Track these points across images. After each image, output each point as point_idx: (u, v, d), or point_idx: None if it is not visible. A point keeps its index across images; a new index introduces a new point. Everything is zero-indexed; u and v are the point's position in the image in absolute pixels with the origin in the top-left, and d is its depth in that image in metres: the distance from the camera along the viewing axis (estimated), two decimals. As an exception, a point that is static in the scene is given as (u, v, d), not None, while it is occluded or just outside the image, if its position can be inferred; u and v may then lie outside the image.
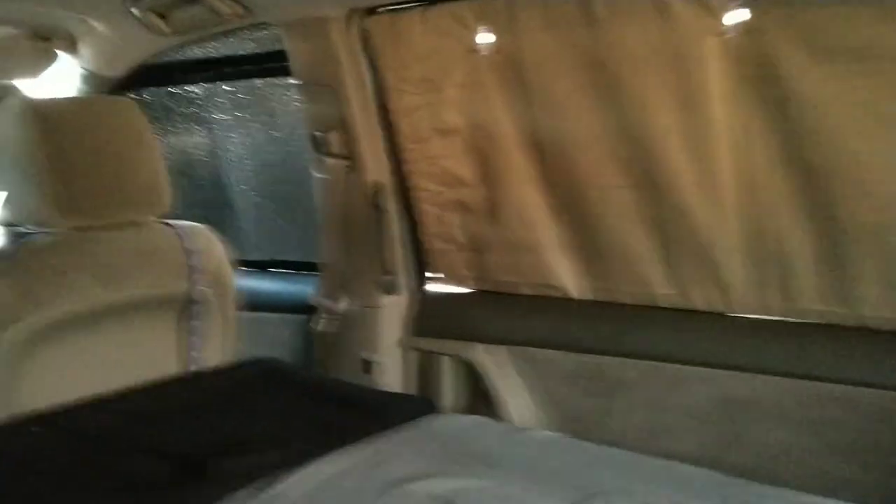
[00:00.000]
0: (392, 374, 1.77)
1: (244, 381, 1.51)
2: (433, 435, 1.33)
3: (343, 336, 1.77)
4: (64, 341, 1.28)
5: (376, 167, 1.65)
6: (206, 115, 2.06)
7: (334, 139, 1.62)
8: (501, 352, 1.62)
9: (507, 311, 1.64)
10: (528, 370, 1.59)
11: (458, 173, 1.60)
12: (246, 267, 2.15)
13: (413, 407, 1.43)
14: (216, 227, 2.03)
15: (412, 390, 1.77)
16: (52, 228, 1.29)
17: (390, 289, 1.69)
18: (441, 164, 1.61)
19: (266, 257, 2.13)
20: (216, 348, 1.57)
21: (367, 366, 1.75)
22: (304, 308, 1.90)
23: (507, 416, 1.61)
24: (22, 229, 1.33)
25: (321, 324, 1.74)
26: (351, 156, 1.63)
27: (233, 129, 2.02)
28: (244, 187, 2.06)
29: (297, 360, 1.93)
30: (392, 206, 1.62)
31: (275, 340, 1.98)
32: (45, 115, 1.27)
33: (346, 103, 1.59)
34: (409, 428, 1.33)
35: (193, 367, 1.51)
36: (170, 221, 1.48)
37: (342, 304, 1.72)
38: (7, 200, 1.30)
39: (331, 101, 1.61)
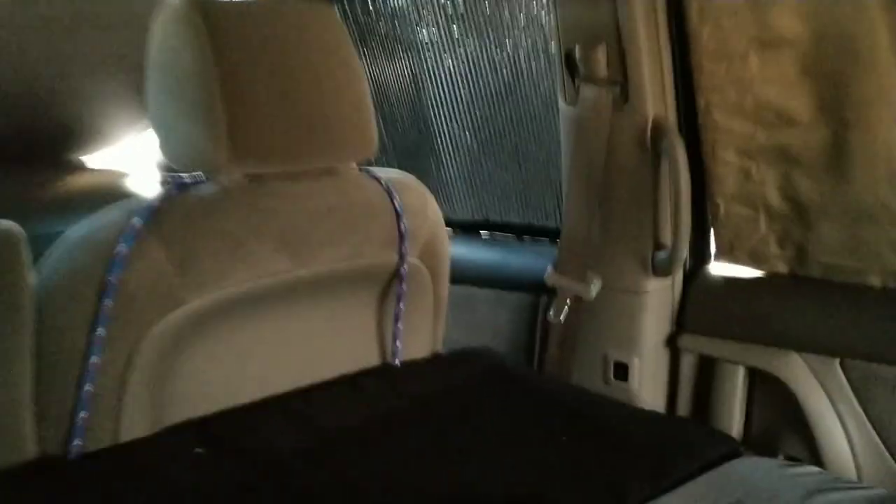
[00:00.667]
0: (656, 385, 1.35)
1: (468, 385, 1.13)
2: (748, 493, 0.90)
3: (588, 328, 1.36)
4: (232, 325, 0.96)
5: (658, 96, 1.20)
6: (410, 34, 1.68)
7: (600, 56, 1.19)
8: (833, 368, 1.15)
9: (845, 310, 1.15)
10: (877, 396, 1.11)
11: (786, 106, 1.12)
12: (453, 228, 1.80)
13: (710, 446, 1.00)
14: (418, 176, 1.69)
15: (684, 409, 1.34)
16: (224, 177, 0.94)
17: (664, 269, 1.25)
18: (759, 92, 1.14)
19: (479, 217, 1.75)
20: (425, 337, 1.22)
21: (622, 370, 1.33)
22: (528, 285, 1.52)
23: (837, 462, 1.15)
24: (182, 177, 1.00)
25: (559, 311, 1.34)
26: (623, 79, 1.19)
27: (443, 51, 1.62)
28: (454, 126, 1.67)
29: (517, 353, 1.55)
30: (680, 152, 1.17)
31: (486, 322, 1.61)
32: (219, 19, 0.91)
33: (623, 3, 1.15)
34: (714, 478, 0.91)
35: (397, 360, 1.16)
36: (374, 170, 1.12)
37: (593, 287, 1.30)
38: (165, 136, 0.97)
39: (598, 1, 1.17)
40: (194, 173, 0.95)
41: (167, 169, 1.02)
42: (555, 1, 1.25)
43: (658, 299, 1.31)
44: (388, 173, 1.13)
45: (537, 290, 1.49)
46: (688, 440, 1.02)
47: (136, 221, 0.84)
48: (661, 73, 1.19)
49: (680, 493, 0.86)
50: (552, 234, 1.61)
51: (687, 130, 1.24)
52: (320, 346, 1.09)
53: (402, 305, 1.13)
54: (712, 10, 1.12)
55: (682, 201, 1.16)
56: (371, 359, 1.15)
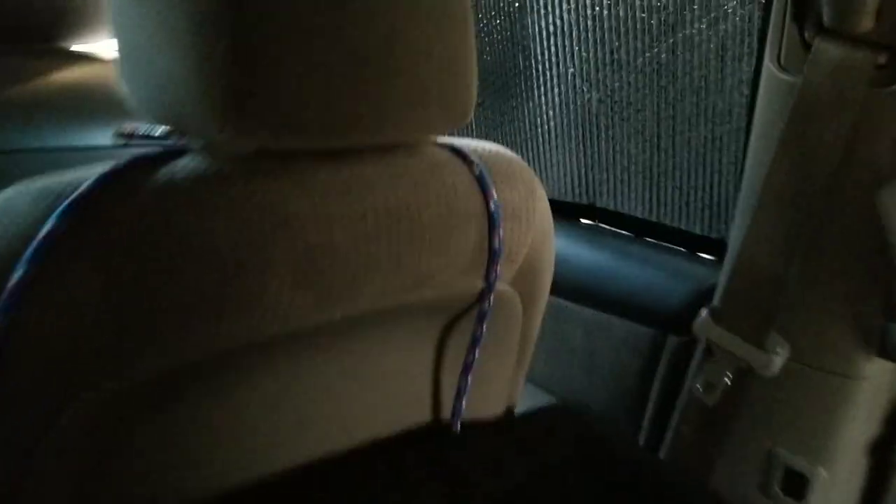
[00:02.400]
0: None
1: (552, 479, 0.78)
2: None
3: (751, 412, 0.95)
4: (210, 388, 0.62)
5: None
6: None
7: (863, 13, 0.73)
8: None
9: None
10: None
11: None
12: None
13: None
14: (504, 132, 1.26)
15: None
16: (221, 148, 0.57)
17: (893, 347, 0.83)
18: None
19: (582, 199, 1.31)
20: (499, 386, 0.85)
21: (798, 483, 0.92)
22: (648, 314, 1.12)
23: None
24: (151, 140, 0.61)
25: (715, 384, 0.93)
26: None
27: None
28: (567, 66, 1.22)
29: (622, 408, 1.16)
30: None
31: (579, 352, 1.22)
32: None
33: None
34: None
35: (457, 425, 0.80)
36: (458, 143, 0.71)
37: (775, 356, 0.88)
38: (131, 67, 0.58)
39: None
40: (171, 134, 0.58)
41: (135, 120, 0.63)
42: None
43: (873, 389, 0.89)
44: (479, 148, 0.73)
45: (663, 323, 1.09)
46: None
47: (54, 223, 0.50)
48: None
49: None
50: (692, 244, 1.18)
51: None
52: (347, 404, 0.73)
53: (476, 353, 0.77)
54: None
55: None
56: (420, 415, 0.79)
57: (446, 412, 0.81)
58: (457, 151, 0.70)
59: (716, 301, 0.95)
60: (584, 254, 1.24)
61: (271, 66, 0.52)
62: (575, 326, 1.21)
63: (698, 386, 0.93)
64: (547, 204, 0.79)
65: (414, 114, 0.61)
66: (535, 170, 1.32)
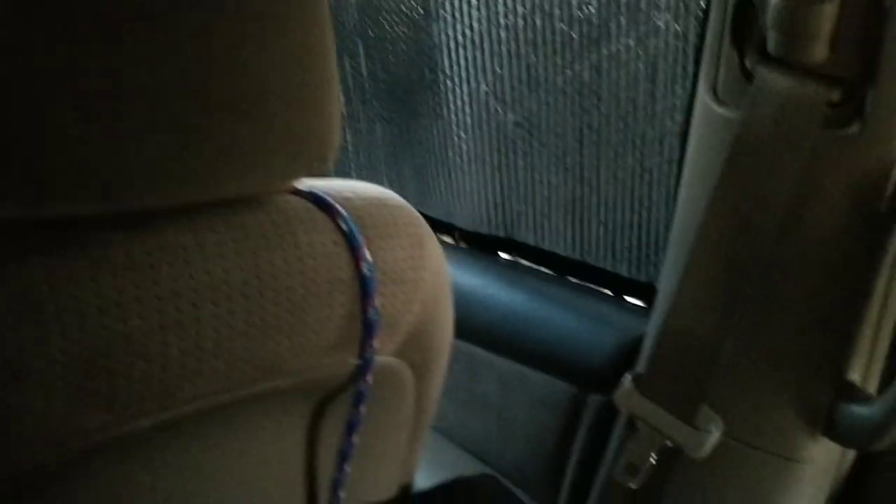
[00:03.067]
0: None
1: None
2: None
3: (678, 495, 0.83)
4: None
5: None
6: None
7: (819, 23, 0.61)
8: None
9: None
10: None
11: None
12: (453, 235, 1.25)
13: None
14: (400, 157, 1.12)
15: None
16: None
17: (855, 433, 0.71)
18: None
19: (498, 231, 1.19)
20: (390, 468, 0.74)
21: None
22: (569, 368, 1.00)
23: None
24: None
25: (639, 462, 0.80)
26: (862, 78, 0.62)
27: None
28: (478, 85, 1.09)
29: (536, 473, 1.04)
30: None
31: (492, 405, 1.10)
32: None
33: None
34: None
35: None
36: (320, 188, 0.58)
37: (706, 436, 0.76)
38: None
39: None
40: None
41: None
42: None
43: (817, 473, 0.78)
44: (352, 195, 0.59)
45: (584, 380, 0.98)
46: None
47: None
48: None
49: None
50: (619, 287, 1.06)
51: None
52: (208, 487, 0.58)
53: (354, 438, 0.64)
54: None
55: None
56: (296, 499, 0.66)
57: (326, 495, 0.68)
58: (319, 201, 0.56)
59: (641, 367, 0.83)
60: (500, 294, 1.11)
61: (16, 105, 0.38)
62: (489, 378, 1.08)
63: (620, 467, 0.80)
64: (441, 258, 0.65)
65: (247, 163, 0.46)
66: (447, 197, 1.19)
